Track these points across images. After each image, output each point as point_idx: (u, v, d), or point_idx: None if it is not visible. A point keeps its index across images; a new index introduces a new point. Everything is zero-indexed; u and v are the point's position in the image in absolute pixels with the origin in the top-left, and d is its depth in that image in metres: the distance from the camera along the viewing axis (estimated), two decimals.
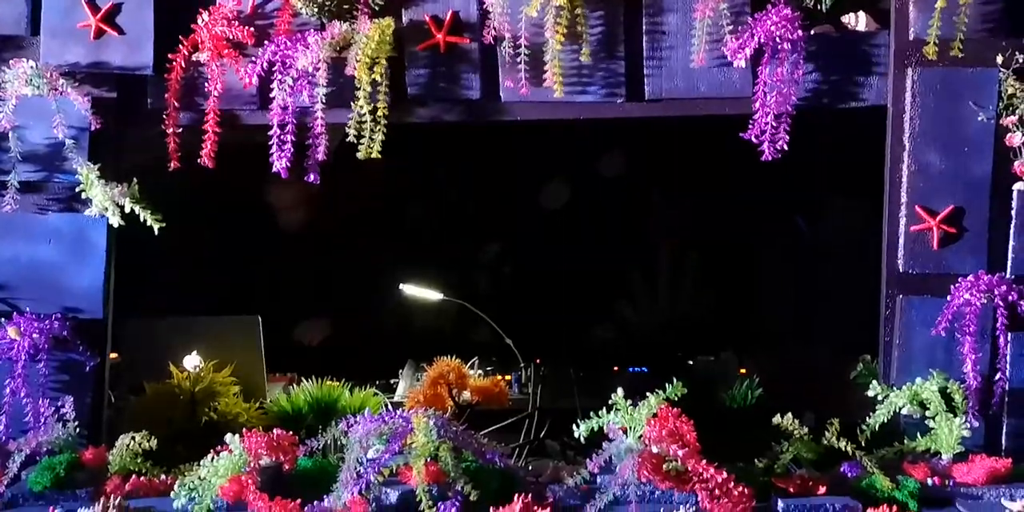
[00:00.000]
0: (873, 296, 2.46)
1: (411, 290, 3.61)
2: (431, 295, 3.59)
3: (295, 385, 2.97)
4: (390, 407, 2.34)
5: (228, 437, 2.18)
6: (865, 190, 2.56)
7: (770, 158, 2.35)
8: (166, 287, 3.32)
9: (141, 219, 2.40)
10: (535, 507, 2.08)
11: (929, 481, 2.21)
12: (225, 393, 2.76)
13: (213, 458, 2.17)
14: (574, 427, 2.17)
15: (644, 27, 2.43)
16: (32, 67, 2.38)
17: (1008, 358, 2.35)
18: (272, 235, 3.69)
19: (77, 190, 2.44)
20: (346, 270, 3.70)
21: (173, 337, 2.87)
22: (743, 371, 3.06)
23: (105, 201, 2.40)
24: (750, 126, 2.37)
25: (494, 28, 2.39)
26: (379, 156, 2.39)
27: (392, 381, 3.45)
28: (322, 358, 3.54)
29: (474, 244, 3.85)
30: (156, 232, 2.39)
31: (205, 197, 3.21)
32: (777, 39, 2.32)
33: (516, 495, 2.08)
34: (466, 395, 2.99)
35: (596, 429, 2.17)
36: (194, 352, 2.80)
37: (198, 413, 2.69)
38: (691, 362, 3.35)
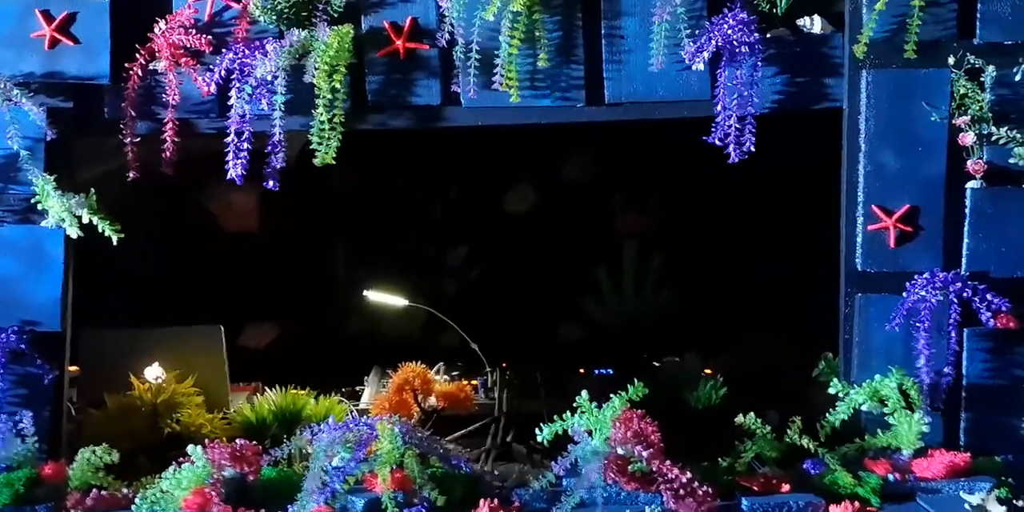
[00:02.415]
0: (834, 295, 2.49)
1: (375, 296, 3.60)
2: (396, 301, 3.58)
3: (259, 394, 2.95)
4: (356, 414, 2.33)
5: (190, 448, 2.16)
6: (823, 190, 2.59)
7: (737, 160, 2.37)
8: (126, 297, 3.28)
9: (99, 230, 2.37)
10: (501, 511, 2.08)
11: (890, 477, 2.24)
12: (188, 404, 2.74)
13: (175, 470, 2.15)
14: (538, 431, 2.18)
15: (603, 31, 2.44)
16: None
17: (964, 354, 2.39)
18: (235, 243, 3.66)
19: (33, 201, 2.41)
20: (310, 277, 3.67)
21: (134, 348, 2.84)
22: (708, 371, 3.08)
23: (62, 212, 2.38)
24: (713, 129, 2.38)
25: (448, 32, 2.39)
26: (333, 162, 2.37)
27: (358, 388, 3.43)
28: (287, 366, 3.51)
29: (438, 249, 3.84)
30: (115, 242, 2.37)
31: (165, 205, 3.18)
32: (734, 42, 2.34)
33: (482, 500, 2.09)
34: (432, 401, 2.99)
35: (562, 432, 2.18)
36: (155, 363, 2.77)
37: (160, 425, 2.67)
38: (657, 363, 3.36)
